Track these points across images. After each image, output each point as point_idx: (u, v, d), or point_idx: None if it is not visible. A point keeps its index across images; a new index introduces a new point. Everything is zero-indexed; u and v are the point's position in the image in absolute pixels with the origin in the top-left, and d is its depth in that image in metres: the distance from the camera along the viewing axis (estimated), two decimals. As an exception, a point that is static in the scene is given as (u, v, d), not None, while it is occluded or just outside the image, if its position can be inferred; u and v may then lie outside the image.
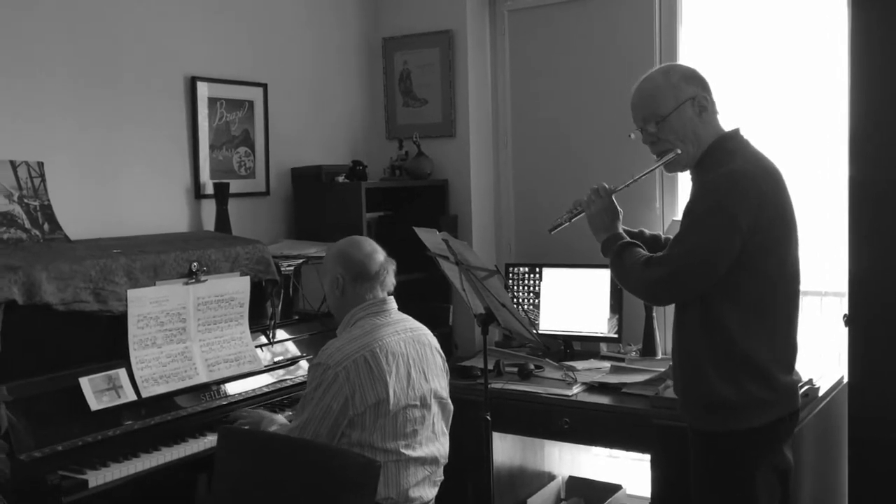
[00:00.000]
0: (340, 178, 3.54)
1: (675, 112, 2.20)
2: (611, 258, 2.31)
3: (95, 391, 2.40)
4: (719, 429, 2.17)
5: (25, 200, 2.63)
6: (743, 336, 2.13)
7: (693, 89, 2.22)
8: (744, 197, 2.09)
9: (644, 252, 2.26)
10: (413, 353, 2.44)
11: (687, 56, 3.45)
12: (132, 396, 2.48)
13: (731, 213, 2.08)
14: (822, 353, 3.17)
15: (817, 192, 3.13)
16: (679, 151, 2.23)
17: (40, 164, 2.69)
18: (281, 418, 2.62)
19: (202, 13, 3.26)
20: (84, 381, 2.39)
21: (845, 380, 2.88)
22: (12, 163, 2.62)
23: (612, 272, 2.34)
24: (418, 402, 2.41)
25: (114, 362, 2.49)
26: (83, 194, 2.88)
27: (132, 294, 2.53)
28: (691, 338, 2.21)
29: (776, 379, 2.17)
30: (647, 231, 2.56)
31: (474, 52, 3.80)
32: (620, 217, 2.38)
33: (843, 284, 2.83)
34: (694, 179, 2.27)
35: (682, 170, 2.30)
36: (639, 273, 2.22)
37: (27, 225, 2.61)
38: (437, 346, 2.58)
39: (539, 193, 3.83)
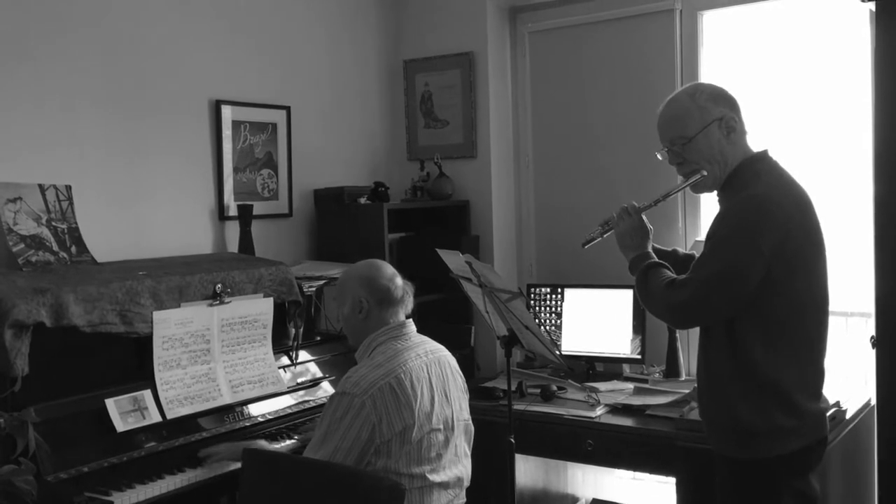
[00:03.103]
0: (362, 200, 3.56)
1: (701, 133, 2.19)
2: (636, 278, 2.30)
3: (121, 412, 2.42)
4: (745, 456, 2.14)
5: (53, 223, 2.66)
6: (769, 362, 2.10)
7: (720, 110, 2.20)
8: (767, 221, 2.07)
9: (669, 274, 2.24)
10: (435, 375, 2.44)
11: (708, 76, 3.45)
12: (157, 418, 2.49)
13: (753, 238, 2.06)
14: (848, 375, 3.14)
15: (842, 211, 3.11)
16: (705, 173, 2.21)
17: (68, 188, 2.73)
18: (263, 444, 2.59)
19: (226, 39, 3.30)
20: (110, 403, 2.40)
21: (872, 402, 2.85)
22: (41, 186, 2.66)
23: (637, 293, 2.32)
24: (441, 426, 2.40)
25: (139, 384, 2.51)
26: (110, 217, 2.91)
27: (157, 316, 2.55)
28: (717, 363, 2.18)
29: (802, 406, 2.13)
30: (680, 250, 2.55)
31: (495, 73, 3.82)
32: (651, 235, 2.36)
33: (869, 305, 2.80)
34: (720, 202, 2.26)
35: (709, 190, 2.28)
36: (660, 295, 2.20)
37: (55, 247, 2.64)
38: (457, 366, 2.58)
39: (560, 214, 3.83)
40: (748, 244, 2.07)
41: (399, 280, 2.54)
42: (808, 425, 2.15)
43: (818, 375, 2.21)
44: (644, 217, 2.35)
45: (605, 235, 2.42)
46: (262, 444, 2.58)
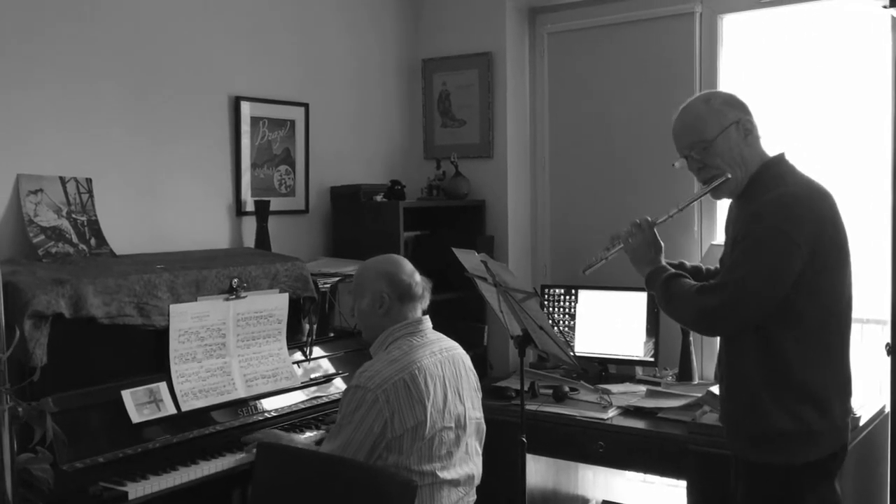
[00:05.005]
0: (379, 198, 3.58)
1: (720, 136, 2.17)
2: (658, 291, 2.27)
3: (137, 404, 2.44)
4: (772, 461, 2.11)
5: (73, 216, 2.69)
6: (802, 364, 2.07)
7: (736, 113, 2.20)
8: (800, 219, 2.05)
9: (693, 282, 2.21)
10: (449, 373, 2.45)
11: (727, 79, 3.44)
12: (172, 410, 2.52)
13: (789, 236, 2.03)
14: (863, 382, 3.12)
15: (859, 217, 3.09)
16: (729, 175, 2.19)
17: (88, 181, 2.75)
18: (300, 439, 2.63)
19: (247, 35, 3.32)
20: (126, 394, 2.43)
21: (887, 409, 2.83)
22: (62, 179, 2.69)
23: (661, 305, 2.29)
24: (453, 424, 2.41)
25: (155, 376, 2.54)
26: (129, 210, 2.94)
27: (174, 309, 2.57)
28: (746, 365, 2.14)
29: (833, 409, 2.11)
30: (687, 263, 2.53)
31: (513, 73, 3.82)
32: (663, 250, 2.35)
33: (885, 312, 2.78)
34: (740, 206, 2.23)
35: (730, 195, 2.26)
36: (692, 302, 2.16)
37: (75, 240, 2.67)
38: (471, 365, 2.59)
39: (576, 215, 3.83)
40: (784, 242, 2.03)
41: (418, 276, 2.55)
42: (838, 430, 2.13)
43: (847, 379, 2.18)
44: (655, 231, 2.34)
45: (608, 258, 2.40)
46: (300, 439, 2.62)
